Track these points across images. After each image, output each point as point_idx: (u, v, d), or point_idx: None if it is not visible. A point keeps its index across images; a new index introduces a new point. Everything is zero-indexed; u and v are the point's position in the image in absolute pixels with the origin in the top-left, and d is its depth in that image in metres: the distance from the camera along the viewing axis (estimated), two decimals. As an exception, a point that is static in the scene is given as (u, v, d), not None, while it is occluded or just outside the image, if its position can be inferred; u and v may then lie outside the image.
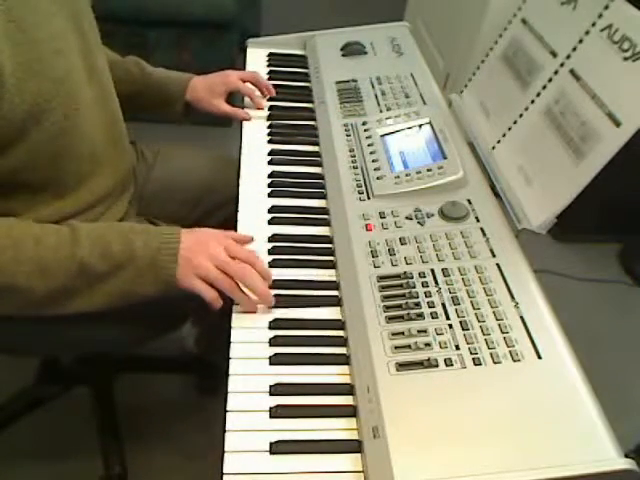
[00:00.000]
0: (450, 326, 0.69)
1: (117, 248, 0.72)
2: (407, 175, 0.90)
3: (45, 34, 0.71)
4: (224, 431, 0.63)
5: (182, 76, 1.11)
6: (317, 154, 1.04)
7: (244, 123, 1.10)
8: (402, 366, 0.66)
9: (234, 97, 1.15)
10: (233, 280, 0.75)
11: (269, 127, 1.09)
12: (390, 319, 0.71)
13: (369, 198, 0.89)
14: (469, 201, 0.87)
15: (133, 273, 0.72)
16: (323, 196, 0.95)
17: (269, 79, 1.22)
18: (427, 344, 0.68)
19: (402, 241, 0.81)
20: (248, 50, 1.32)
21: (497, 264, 0.77)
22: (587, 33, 0.89)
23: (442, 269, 0.76)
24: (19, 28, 0.67)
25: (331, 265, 0.84)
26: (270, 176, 0.98)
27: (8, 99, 0.66)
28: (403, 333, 0.69)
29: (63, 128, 0.75)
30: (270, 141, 1.06)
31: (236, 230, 0.87)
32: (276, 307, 0.77)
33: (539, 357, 0.66)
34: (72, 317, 0.94)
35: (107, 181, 0.89)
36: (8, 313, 0.73)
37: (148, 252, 0.73)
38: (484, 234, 0.81)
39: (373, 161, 0.95)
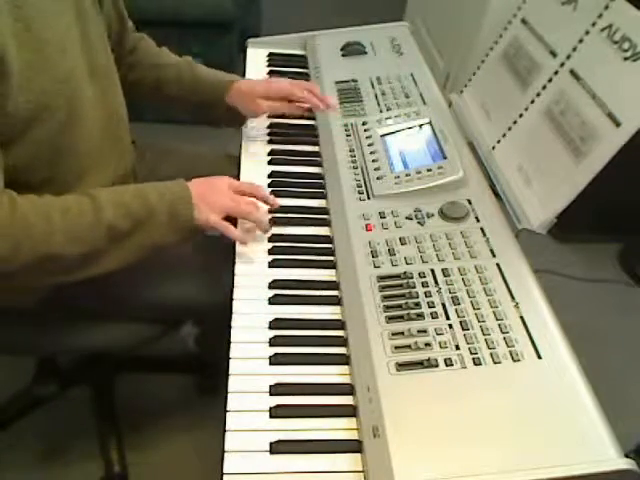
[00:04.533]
0: (450, 326, 0.69)
1: (136, 207, 0.76)
2: (407, 175, 0.90)
3: (51, 34, 0.71)
4: (224, 431, 0.63)
5: (224, 78, 1.08)
6: (317, 154, 1.04)
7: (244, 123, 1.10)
8: (402, 366, 0.66)
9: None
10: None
11: (269, 127, 1.09)
12: (390, 319, 0.71)
13: (369, 198, 0.89)
14: (469, 201, 0.87)
15: (155, 226, 0.77)
16: (323, 196, 0.95)
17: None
18: (427, 344, 0.68)
19: (402, 241, 0.81)
20: (248, 50, 1.32)
21: (497, 264, 0.77)
22: (587, 33, 0.89)
23: (442, 269, 0.76)
24: (26, 28, 0.67)
25: (331, 265, 0.84)
26: (270, 176, 0.98)
27: (13, 97, 0.67)
28: (403, 333, 0.69)
29: (65, 126, 0.76)
30: (270, 141, 1.06)
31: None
32: (276, 305, 0.77)
33: (539, 357, 0.66)
34: (73, 316, 0.94)
35: (106, 179, 0.89)
36: (46, 281, 0.78)
37: (165, 205, 0.77)
38: (484, 234, 0.81)
39: (373, 161, 0.95)
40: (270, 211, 0.91)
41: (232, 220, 0.85)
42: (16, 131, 0.70)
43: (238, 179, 0.97)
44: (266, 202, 0.88)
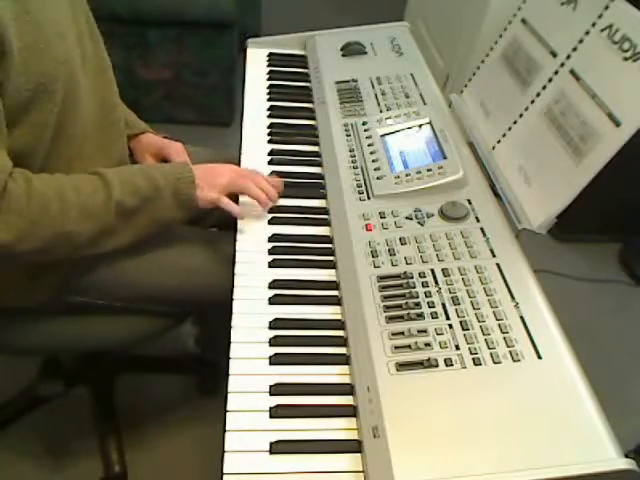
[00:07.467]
0: (450, 326, 0.69)
1: (142, 184, 0.81)
2: (407, 175, 0.90)
3: (49, 17, 0.72)
4: (224, 431, 0.63)
5: (138, 124, 1.05)
6: (317, 154, 1.04)
7: (244, 123, 1.10)
8: (402, 366, 0.66)
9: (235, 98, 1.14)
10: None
11: (269, 127, 1.09)
12: (390, 319, 0.71)
13: (369, 198, 0.89)
14: (469, 201, 0.87)
15: (161, 203, 0.82)
16: (323, 196, 0.95)
17: (269, 79, 1.23)
18: (427, 344, 0.68)
19: (402, 241, 0.81)
20: (248, 50, 1.32)
21: (497, 264, 0.77)
22: (587, 33, 0.89)
23: (442, 269, 0.76)
24: (24, 10, 0.68)
25: (331, 265, 0.84)
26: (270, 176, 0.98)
27: (14, 78, 0.67)
28: (403, 333, 0.69)
29: (62, 110, 0.77)
30: (270, 141, 1.06)
31: (236, 233, 0.87)
32: (276, 305, 0.77)
33: (539, 357, 0.66)
34: (74, 314, 0.94)
35: (98, 166, 0.89)
36: (59, 257, 0.80)
37: (169, 183, 0.82)
38: (484, 234, 0.81)
39: (373, 161, 0.95)
40: (270, 210, 0.91)
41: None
42: (16, 114, 0.71)
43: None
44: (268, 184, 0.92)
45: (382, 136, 0.99)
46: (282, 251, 0.85)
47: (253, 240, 0.86)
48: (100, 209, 0.77)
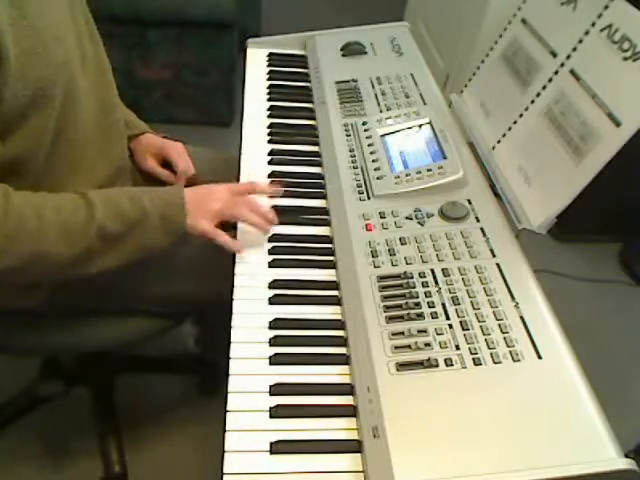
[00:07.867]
0: (450, 326, 0.69)
1: (128, 208, 0.76)
2: (407, 175, 0.90)
3: (47, 22, 0.72)
4: (224, 431, 0.63)
5: (138, 125, 1.05)
6: (317, 154, 1.03)
7: (244, 123, 1.10)
8: (402, 366, 0.66)
9: (235, 97, 1.14)
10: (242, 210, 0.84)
11: (269, 127, 1.09)
12: (390, 319, 0.71)
13: (369, 198, 0.89)
14: (469, 201, 0.87)
15: (147, 229, 0.77)
16: (323, 196, 0.95)
17: (269, 79, 1.22)
18: (427, 344, 0.68)
19: (402, 241, 0.81)
20: (248, 50, 1.32)
21: (497, 264, 0.77)
22: (587, 33, 0.89)
23: (442, 269, 0.76)
24: (21, 15, 0.68)
25: (331, 265, 0.84)
26: (270, 176, 0.98)
27: (11, 84, 0.67)
28: (403, 333, 0.69)
29: (61, 114, 0.76)
30: (270, 141, 1.06)
31: (236, 231, 0.87)
32: (276, 305, 0.77)
33: (539, 357, 0.66)
34: (73, 314, 0.94)
35: (99, 174, 0.89)
36: (38, 278, 0.77)
37: (157, 208, 0.78)
38: (484, 234, 0.81)
39: (373, 161, 0.95)
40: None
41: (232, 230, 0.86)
42: (14, 119, 0.71)
43: (238, 179, 0.97)
44: (266, 193, 0.90)
45: (382, 136, 0.99)
46: (282, 251, 0.85)
47: (253, 240, 0.86)
48: (80, 230, 0.73)
